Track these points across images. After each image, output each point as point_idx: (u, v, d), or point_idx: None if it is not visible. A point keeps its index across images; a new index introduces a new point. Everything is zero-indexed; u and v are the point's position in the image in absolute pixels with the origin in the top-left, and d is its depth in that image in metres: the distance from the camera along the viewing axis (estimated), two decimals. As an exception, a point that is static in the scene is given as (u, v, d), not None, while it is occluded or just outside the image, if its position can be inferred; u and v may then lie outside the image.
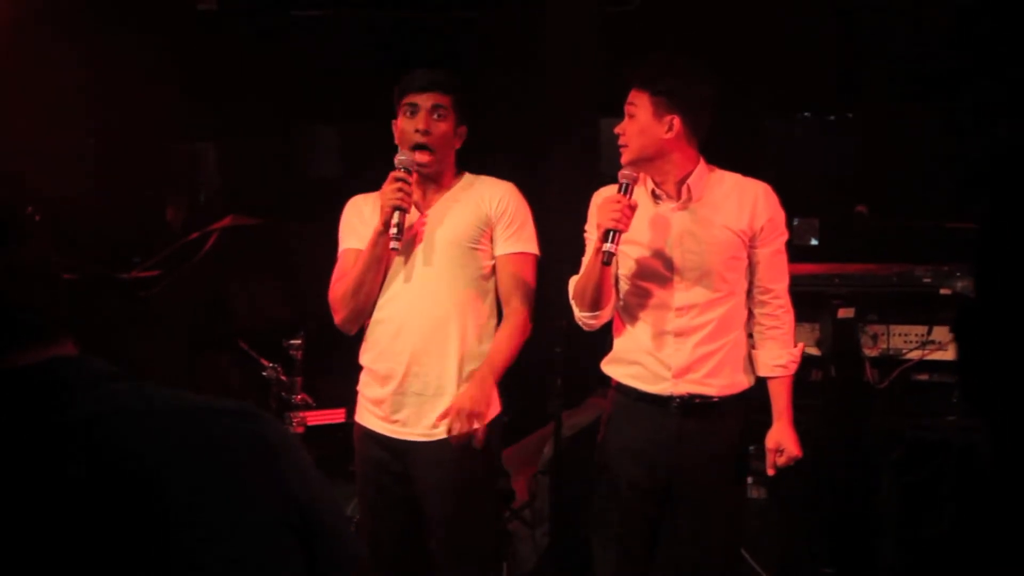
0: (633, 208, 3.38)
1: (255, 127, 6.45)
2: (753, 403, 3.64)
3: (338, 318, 3.65)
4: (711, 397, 3.54)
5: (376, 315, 3.64)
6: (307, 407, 4.65)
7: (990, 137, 5.37)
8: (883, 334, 4.63)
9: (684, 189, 3.52)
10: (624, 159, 3.51)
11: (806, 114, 5.94)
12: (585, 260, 3.59)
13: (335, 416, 4.64)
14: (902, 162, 5.66)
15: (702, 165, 3.55)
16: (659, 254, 3.52)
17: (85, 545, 1.34)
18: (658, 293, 3.53)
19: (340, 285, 3.63)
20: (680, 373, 3.52)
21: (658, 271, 3.52)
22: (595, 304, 3.54)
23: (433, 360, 3.59)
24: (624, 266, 3.56)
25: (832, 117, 6.00)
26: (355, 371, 3.72)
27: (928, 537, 4.44)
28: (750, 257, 3.57)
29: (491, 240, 3.65)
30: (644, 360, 3.57)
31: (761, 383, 3.62)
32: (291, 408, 4.59)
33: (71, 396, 1.43)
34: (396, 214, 3.47)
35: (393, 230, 3.47)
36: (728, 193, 3.55)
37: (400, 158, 3.57)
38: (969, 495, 4.35)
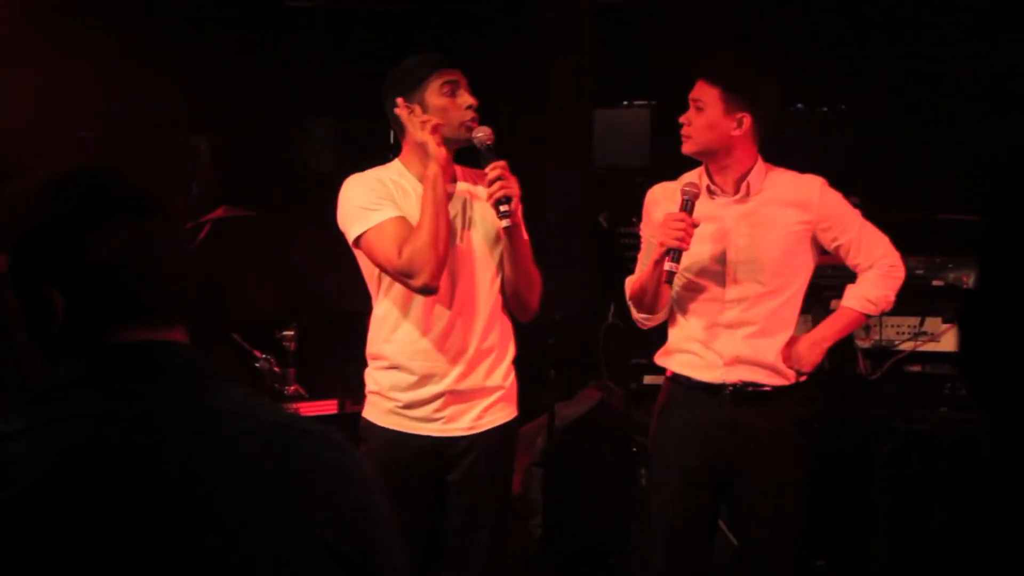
0: (696, 226, 3.41)
1: (249, 119, 6.44)
2: (804, 396, 3.70)
3: (421, 279, 3.30)
4: (763, 386, 3.59)
5: (415, 313, 3.47)
6: (300, 398, 4.65)
7: (981, 128, 5.38)
8: (875, 325, 4.63)
9: (744, 185, 3.57)
10: (686, 149, 3.57)
11: (799, 106, 5.94)
12: (641, 260, 3.62)
13: (328, 408, 4.63)
14: (895, 154, 5.67)
15: (760, 162, 3.60)
16: (714, 249, 3.57)
17: (120, 534, 1.33)
18: (711, 287, 3.59)
19: (411, 244, 3.31)
20: (732, 361, 3.57)
21: (712, 265, 3.58)
22: (651, 309, 3.63)
23: (485, 358, 3.51)
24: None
25: (825, 109, 6.00)
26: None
27: (920, 529, 4.45)
28: (832, 249, 3.62)
29: None
30: (696, 349, 3.62)
31: (810, 378, 3.68)
32: (284, 400, 4.59)
33: (141, 384, 1.43)
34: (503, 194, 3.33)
35: (505, 207, 3.33)
36: (784, 190, 3.59)
37: (479, 135, 3.41)
38: (962, 487, 4.35)
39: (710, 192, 3.60)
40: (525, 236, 3.50)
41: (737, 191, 3.57)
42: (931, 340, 4.61)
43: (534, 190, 3.84)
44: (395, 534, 1.54)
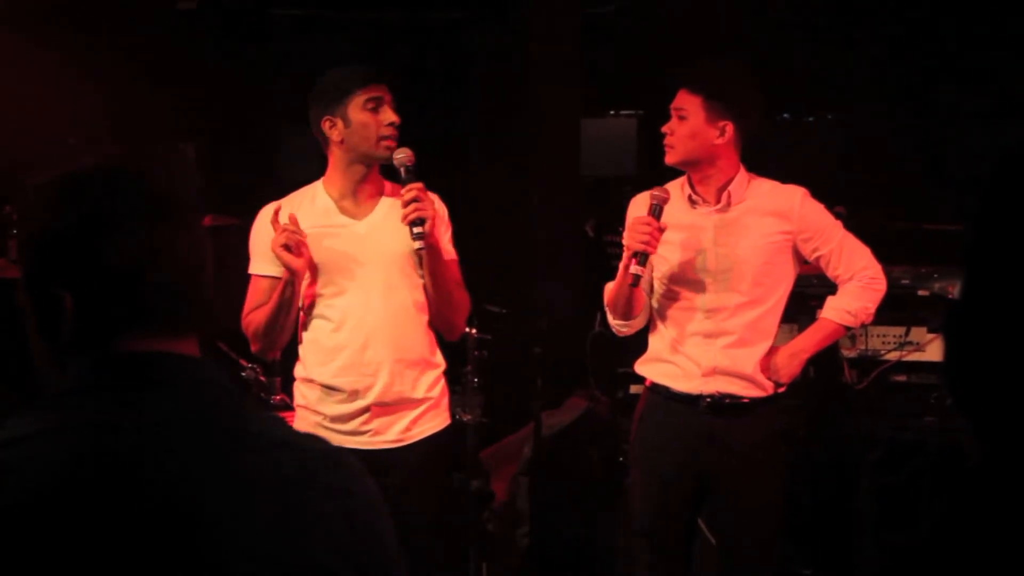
0: (663, 231, 3.41)
1: (235, 127, 6.43)
2: (788, 406, 3.69)
3: (253, 348, 3.52)
4: (741, 398, 3.57)
5: (333, 329, 3.46)
6: (286, 407, 4.64)
7: (967, 138, 5.41)
8: (861, 335, 4.64)
9: (724, 195, 3.55)
10: (669, 160, 3.56)
11: (785, 115, 5.96)
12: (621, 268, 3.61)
13: (314, 417, 4.63)
14: (881, 163, 5.69)
15: (742, 172, 3.59)
16: (693, 258, 3.56)
17: (116, 546, 1.31)
18: (689, 296, 3.57)
19: (251, 319, 3.46)
20: (709, 372, 3.55)
21: (691, 274, 3.56)
22: (626, 315, 3.61)
23: (408, 369, 3.48)
24: (658, 269, 3.60)
25: (811, 118, 6.02)
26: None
27: (906, 538, 4.46)
28: (812, 259, 3.60)
29: None
30: (675, 359, 3.61)
31: (795, 388, 3.67)
32: (270, 409, 4.58)
33: (146, 395, 1.40)
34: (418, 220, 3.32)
35: (418, 229, 3.32)
36: (765, 199, 3.57)
37: (399, 156, 3.39)
38: (947, 495, 4.35)
39: (691, 202, 3.59)
40: (448, 257, 3.48)
41: (718, 200, 3.56)
42: (916, 350, 4.62)
43: (521, 199, 3.84)
44: (399, 558, 1.51)
